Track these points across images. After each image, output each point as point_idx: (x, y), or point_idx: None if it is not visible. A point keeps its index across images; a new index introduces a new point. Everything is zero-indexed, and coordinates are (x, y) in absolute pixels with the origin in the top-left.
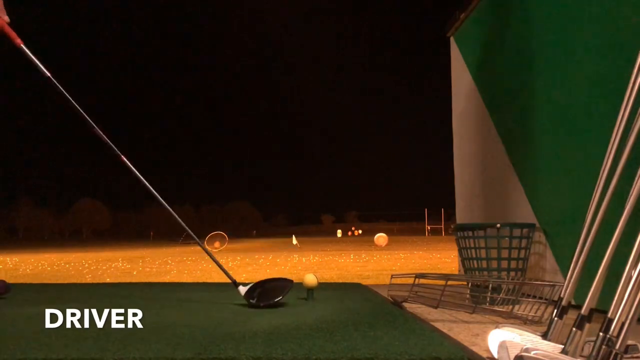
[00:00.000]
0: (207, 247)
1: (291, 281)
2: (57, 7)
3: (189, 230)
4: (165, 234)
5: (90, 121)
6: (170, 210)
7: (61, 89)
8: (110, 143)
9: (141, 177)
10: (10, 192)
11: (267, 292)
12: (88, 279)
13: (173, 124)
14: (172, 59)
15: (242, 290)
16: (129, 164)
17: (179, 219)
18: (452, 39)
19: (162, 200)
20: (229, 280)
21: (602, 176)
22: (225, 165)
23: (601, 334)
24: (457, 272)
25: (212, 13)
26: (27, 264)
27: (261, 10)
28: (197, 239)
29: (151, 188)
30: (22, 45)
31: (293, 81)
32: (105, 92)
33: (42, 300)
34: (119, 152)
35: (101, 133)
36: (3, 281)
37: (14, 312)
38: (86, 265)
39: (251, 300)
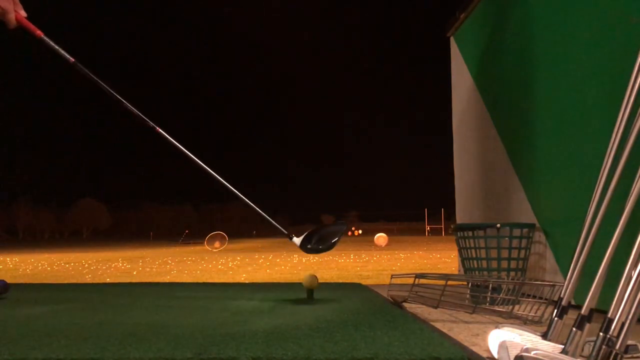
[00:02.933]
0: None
1: (344, 223)
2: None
3: (239, 194)
4: (165, 234)
5: (121, 98)
6: (200, 162)
7: (88, 72)
8: (143, 116)
9: (181, 147)
10: (10, 192)
11: (324, 237)
12: (88, 279)
13: (173, 123)
14: (171, 57)
15: (297, 240)
16: (166, 134)
17: (226, 183)
18: (452, 39)
19: (202, 164)
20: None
21: (602, 176)
22: (226, 165)
23: (601, 334)
24: (457, 272)
25: (210, 14)
26: (27, 264)
27: (261, 9)
28: (226, 183)
29: (191, 155)
30: (42, 36)
31: (293, 81)
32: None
33: (42, 300)
34: (154, 125)
35: (133, 108)
36: (2, 280)
37: (14, 312)
38: (86, 265)
39: (309, 247)
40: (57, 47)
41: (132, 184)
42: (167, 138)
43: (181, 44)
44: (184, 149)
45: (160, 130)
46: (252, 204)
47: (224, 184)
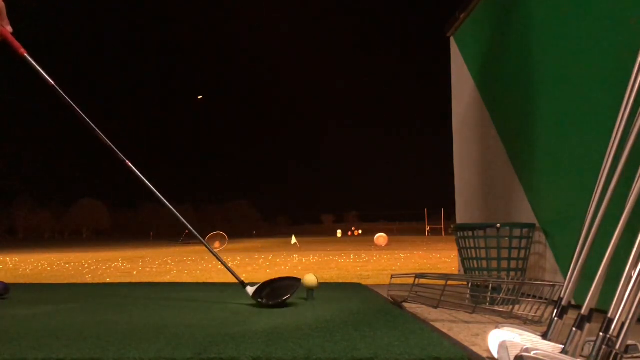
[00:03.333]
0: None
1: (299, 280)
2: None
3: (196, 233)
4: (165, 234)
5: (95, 127)
6: (177, 213)
7: (65, 97)
8: (115, 148)
9: (146, 182)
10: (10, 192)
11: (275, 291)
12: (88, 279)
13: (173, 124)
14: (171, 57)
15: (250, 290)
16: (134, 169)
17: (185, 222)
18: (452, 39)
19: (168, 204)
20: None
21: (602, 176)
22: (226, 165)
23: (601, 334)
24: (457, 272)
25: (212, 13)
26: (27, 264)
27: (262, 9)
28: (202, 240)
29: (157, 192)
30: (25, 54)
31: (294, 81)
32: (104, 91)
33: (42, 300)
34: (124, 157)
35: (105, 138)
36: (2, 282)
37: (14, 312)
38: (86, 265)
39: (259, 300)
40: (38, 67)
41: (132, 184)
42: (135, 172)
43: (183, 44)
44: (152, 187)
45: (129, 164)
46: (211, 249)
47: (190, 229)
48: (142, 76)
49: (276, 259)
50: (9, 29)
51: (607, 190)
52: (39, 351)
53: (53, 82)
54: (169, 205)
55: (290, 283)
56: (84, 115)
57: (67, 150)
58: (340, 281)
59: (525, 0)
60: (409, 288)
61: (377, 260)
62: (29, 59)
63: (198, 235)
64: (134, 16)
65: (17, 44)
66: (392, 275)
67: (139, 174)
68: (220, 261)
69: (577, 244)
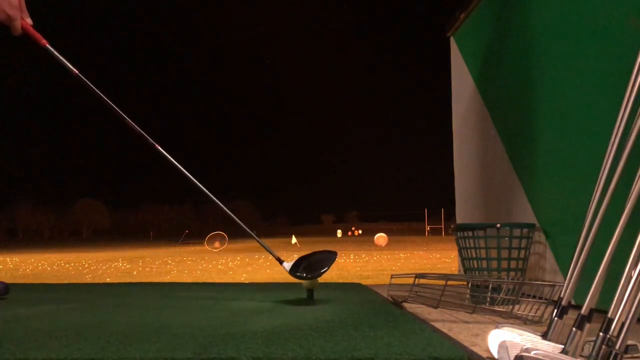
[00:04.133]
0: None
1: (335, 252)
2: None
3: (240, 222)
4: (165, 234)
5: (122, 113)
6: (214, 198)
7: (90, 84)
8: (144, 133)
9: (178, 165)
10: (10, 192)
11: (313, 265)
12: (88, 279)
13: (172, 124)
14: (173, 56)
15: (287, 266)
16: (165, 152)
17: (225, 208)
18: (452, 39)
19: (204, 189)
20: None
21: (602, 176)
22: (226, 165)
23: (601, 334)
24: (457, 272)
25: (220, 13)
26: (27, 264)
27: (262, 10)
28: (245, 226)
29: (191, 176)
30: (47, 45)
31: (293, 82)
32: (103, 91)
33: (42, 300)
34: (153, 142)
35: (134, 124)
36: (2, 282)
37: (14, 312)
38: (86, 265)
39: (298, 274)
40: (61, 57)
41: (132, 184)
42: (166, 156)
43: (182, 44)
44: (183, 170)
45: (159, 147)
46: (248, 229)
47: (222, 208)
48: (141, 76)
49: None
50: (29, 21)
51: (607, 190)
52: (39, 351)
53: (77, 71)
54: (205, 189)
55: (328, 256)
56: (110, 103)
57: (68, 150)
58: (340, 281)
59: (525, 0)
60: (409, 288)
61: (377, 260)
62: (51, 49)
63: (227, 210)
64: (132, 15)
65: (38, 36)
66: (392, 275)
67: (170, 158)
68: (257, 239)
69: (577, 244)
